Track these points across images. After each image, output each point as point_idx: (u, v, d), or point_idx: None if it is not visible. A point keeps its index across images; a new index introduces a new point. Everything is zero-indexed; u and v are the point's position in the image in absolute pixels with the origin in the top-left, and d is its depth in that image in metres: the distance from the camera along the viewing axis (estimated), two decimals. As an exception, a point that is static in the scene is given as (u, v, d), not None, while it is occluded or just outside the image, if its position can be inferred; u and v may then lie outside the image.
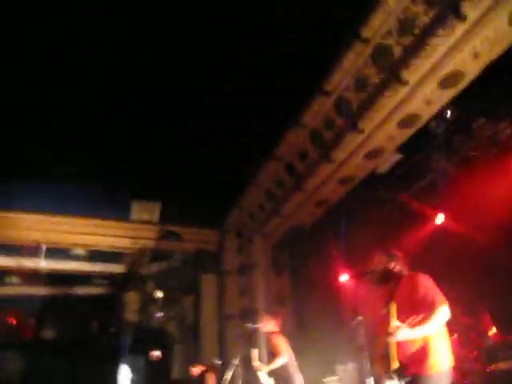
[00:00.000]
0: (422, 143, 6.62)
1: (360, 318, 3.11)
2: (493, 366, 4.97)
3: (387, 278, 3.35)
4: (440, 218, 6.66)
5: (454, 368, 3.14)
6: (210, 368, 7.16)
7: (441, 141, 6.43)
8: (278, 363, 5.38)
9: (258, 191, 8.90)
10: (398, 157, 7.02)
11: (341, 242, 7.05)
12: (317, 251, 8.61)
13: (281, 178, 8.25)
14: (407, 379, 2.99)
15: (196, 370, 7.27)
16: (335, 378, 7.19)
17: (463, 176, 6.27)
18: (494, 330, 5.67)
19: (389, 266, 3.36)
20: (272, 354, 5.49)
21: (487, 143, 5.92)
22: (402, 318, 2.95)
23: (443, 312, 3.03)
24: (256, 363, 5.53)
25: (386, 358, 3.12)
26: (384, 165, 7.17)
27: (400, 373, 3.00)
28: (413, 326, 2.98)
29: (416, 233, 6.87)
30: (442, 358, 3.04)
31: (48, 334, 12.01)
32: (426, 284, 3.16)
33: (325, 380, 7.13)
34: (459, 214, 6.45)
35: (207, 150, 7.51)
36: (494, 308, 5.76)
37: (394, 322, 2.92)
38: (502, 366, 4.84)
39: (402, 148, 6.83)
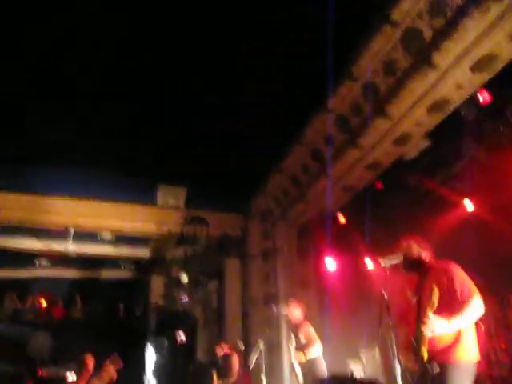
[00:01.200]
0: (452, 130, 6.46)
1: (385, 295, 3.06)
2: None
3: (417, 267, 3.29)
4: (469, 206, 6.51)
5: (479, 361, 3.10)
6: (235, 350, 7.23)
7: (471, 127, 6.27)
8: (314, 352, 5.35)
9: (282, 176, 8.87)
10: (426, 143, 6.87)
11: (367, 227, 6.97)
12: (342, 237, 8.54)
13: (306, 164, 8.19)
14: (436, 370, 2.96)
15: (221, 350, 7.34)
16: (359, 363, 7.17)
17: (494, 164, 6.09)
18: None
19: (421, 255, 3.31)
20: (305, 343, 5.45)
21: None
22: (436, 310, 2.90)
23: (478, 306, 3.00)
24: (293, 352, 5.51)
25: (411, 347, 3.10)
26: (412, 151, 7.04)
27: (429, 363, 2.97)
28: (449, 320, 2.93)
29: (443, 221, 6.74)
30: (470, 350, 3.03)
31: (77, 315, 12.33)
32: (461, 276, 3.11)
33: (350, 365, 7.12)
34: (488, 202, 6.29)
35: (234, 135, 7.51)
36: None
37: (431, 315, 2.87)
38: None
39: (431, 134, 6.69)
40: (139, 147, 7.79)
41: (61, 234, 10.31)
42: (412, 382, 3.09)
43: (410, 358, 3.10)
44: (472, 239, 6.28)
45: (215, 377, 7.18)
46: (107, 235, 11.14)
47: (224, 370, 7.14)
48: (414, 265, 3.28)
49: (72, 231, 10.24)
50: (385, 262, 3.25)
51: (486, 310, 3.21)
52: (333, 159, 7.52)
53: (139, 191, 9.61)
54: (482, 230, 6.27)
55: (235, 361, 7.09)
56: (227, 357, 7.22)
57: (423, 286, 3.16)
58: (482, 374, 5.18)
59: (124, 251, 11.98)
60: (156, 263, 11.81)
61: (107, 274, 12.90)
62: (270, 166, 8.78)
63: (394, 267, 3.30)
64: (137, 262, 12.86)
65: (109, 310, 12.75)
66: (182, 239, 10.36)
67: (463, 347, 2.97)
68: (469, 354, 2.99)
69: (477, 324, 3.16)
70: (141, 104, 6.95)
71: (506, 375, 5.20)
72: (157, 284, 11.68)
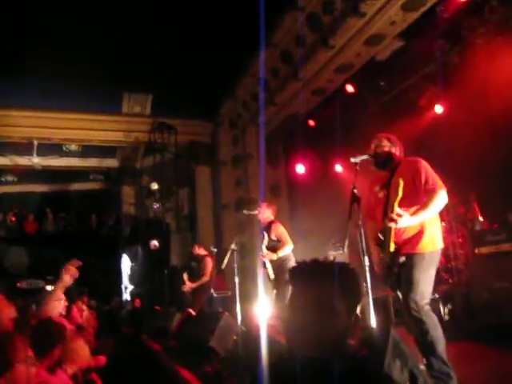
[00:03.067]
0: (426, 29, 6.26)
1: (356, 191, 3.09)
2: (476, 251, 5.18)
3: (387, 163, 3.31)
4: (439, 109, 6.53)
5: (441, 250, 3.25)
6: (209, 253, 7.41)
7: (446, 27, 6.07)
8: (286, 251, 5.45)
9: (251, 80, 8.61)
10: (399, 44, 6.69)
11: (337, 131, 6.94)
12: (312, 141, 8.55)
13: (276, 67, 7.93)
14: (402, 259, 3.09)
15: (197, 250, 7.51)
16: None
17: (468, 65, 5.99)
18: (480, 218, 5.85)
19: (391, 150, 3.31)
20: (277, 242, 5.54)
21: (497, 29, 5.55)
22: (402, 202, 2.94)
23: (442, 197, 3.04)
24: (264, 250, 5.59)
25: (378, 242, 3.20)
26: (384, 52, 6.86)
27: (395, 254, 3.09)
28: (414, 212, 2.98)
29: (413, 123, 6.77)
30: (434, 239, 3.13)
31: (49, 228, 12.36)
32: (427, 168, 3.14)
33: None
34: (459, 104, 6.30)
35: (201, 40, 7.12)
36: (482, 198, 5.88)
37: (397, 209, 2.91)
38: (484, 250, 5.04)
39: (404, 34, 6.48)
40: (101, 56, 7.35)
41: (25, 147, 10.02)
42: (379, 275, 3.25)
43: (377, 252, 3.23)
44: (440, 141, 6.37)
45: (186, 277, 7.44)
46: (73, 147, 10.91)
47: (197, 271, 7.37)
48: (384, 161, 3.28)
49: (36, 143, 9.95)
50: (355, 159, 3.26)
51: (448, 206, 3.29)
52: (303, 61, 7.28)
53: (104, 101, 9.26)
54: (450, 133, 6.35)
55: (208, 262, 7.26)
56: (201, 259, 7.40)
57: (391, 181, 3.20)
58: (439, 265, 5.51)
59: (92, 162, 11.82)
60: (125, 173, 11.72)
61: (77, 186, 12.79)
62: (239, 71, 8.47)
63: (364, 164, 3.32)
64: (106, 173, 12.74)
65: (81, 221, 12.81)
66: (150, 147, 10.21)
67: (427, 237, 3.08)
68: (433, 244, 3.11)
69: (439, 216, 3.26)
70: (102, 12, 6.45)
71: (461, 267, 5.56)
72: (127, 193, 11.68)
